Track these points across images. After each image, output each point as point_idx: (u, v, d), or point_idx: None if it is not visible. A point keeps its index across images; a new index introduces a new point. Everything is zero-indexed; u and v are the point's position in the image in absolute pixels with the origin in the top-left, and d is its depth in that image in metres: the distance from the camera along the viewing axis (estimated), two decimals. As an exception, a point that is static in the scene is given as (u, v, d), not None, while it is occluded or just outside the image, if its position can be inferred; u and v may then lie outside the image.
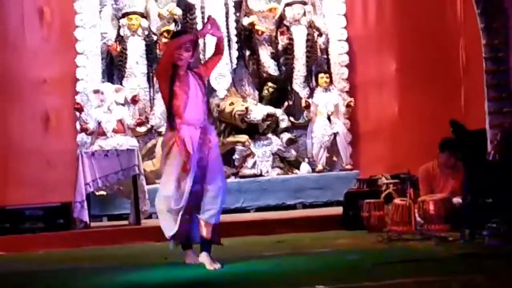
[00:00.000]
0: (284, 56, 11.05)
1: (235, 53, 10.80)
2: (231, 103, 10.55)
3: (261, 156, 10.53)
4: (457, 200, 7.55)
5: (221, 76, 10.65)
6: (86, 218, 8.78)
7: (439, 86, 10.44)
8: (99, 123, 10.19)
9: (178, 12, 10.80)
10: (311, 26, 11.03)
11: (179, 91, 5.70)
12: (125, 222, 9.26)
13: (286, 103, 10.98)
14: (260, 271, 5.51)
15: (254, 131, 10.68)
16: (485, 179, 6.88)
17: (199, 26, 10.67)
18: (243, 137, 10.55)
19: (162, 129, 10.60)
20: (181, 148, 5.59)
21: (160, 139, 10.54)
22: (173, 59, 5.77)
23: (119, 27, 10.88)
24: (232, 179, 10.31)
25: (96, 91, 10.34)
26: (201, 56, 10.30)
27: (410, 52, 10.76)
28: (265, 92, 10.89)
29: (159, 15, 10.89)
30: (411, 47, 10.74)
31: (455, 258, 5.85)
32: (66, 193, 9.22)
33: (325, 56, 11.16)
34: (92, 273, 6.04)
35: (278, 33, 11.11)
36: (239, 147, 10.53)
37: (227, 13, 10.82)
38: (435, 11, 10.64)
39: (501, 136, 7.22)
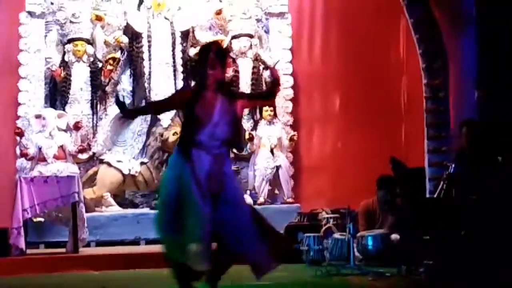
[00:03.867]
0: (229, 88, 11.09)
1: (180, 83, 10.79)
2: (175, 133, 10.52)
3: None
4: (395, 236, 7.65)
5: (165, 106, 10.62)
6: (22, 244, 8.61)
7: (381, 124, 10.63)
8: (39, 149, 10.07)
9: (125, 40, 10.78)
10: (257, 59, 11.12)
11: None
12: (63, 249, 9.12)
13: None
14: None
15: (197, 161, 10.65)
16: (423, 216, 6.99)
17: (145, 55, 10.68)
18: (186, 168, 10.50)
19: (104, 157, 10.54)
20: None
21: (102, 166, 10.49)
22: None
23: (64, 52, 10.80)
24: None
25: (38, 116, 10.23)
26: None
27: (354, 89, 10.94)
28: (209, 122, 10.87)
29: (105, 42, 10.84)
30: (355, 84, 10.92)
31: (392, 294, 5.92)
32: (2, 218, 9.04)
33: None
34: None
35: (224, 65, 11.13)
36: (181, 177, 10.47)
37: (173, 43, 10.85)
38: (379, 50, 10.87)
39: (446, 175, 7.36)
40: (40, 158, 10.06)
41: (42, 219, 9.47)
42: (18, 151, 10.30)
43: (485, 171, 6.68)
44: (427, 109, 8.82)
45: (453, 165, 7.05)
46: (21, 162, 10.35)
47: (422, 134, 8.89)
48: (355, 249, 7.64)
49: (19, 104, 10.67)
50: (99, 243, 9.86)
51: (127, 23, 10.90)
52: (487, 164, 6.81)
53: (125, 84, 10.90)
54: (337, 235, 7.95)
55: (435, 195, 6.96)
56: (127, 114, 5.36)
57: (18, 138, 10.24)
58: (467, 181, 6.74)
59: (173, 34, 10.87)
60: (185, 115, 5.01)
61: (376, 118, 10.67)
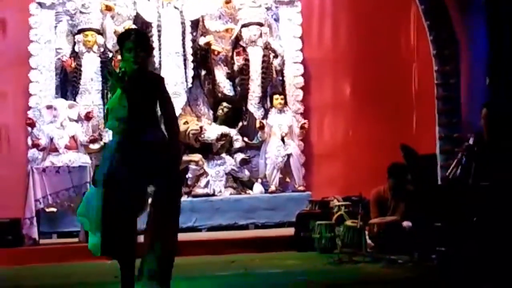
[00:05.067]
0: (240, 76, 11.09)
1: (190, 73, 10.79)
2: (186, 122, 10.54)
3: (214, 176, 10.52)
4: (407, 223, 7.64)
5: (176, 95, 10.61)
6: (35, 234, 8.67)
7: (392, 111, 10.60)
8: (51, 139, 10.09)
9: (135, 29, 10.77)
10: (267, 47, 11.10)
11: None
12: (75, 239, 9.16)
13: (240, 124, 10.99)
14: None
15: (208, 150, 10.68)
16: (435, 203, 6.98)
17: (155, 44, 10.66)
18: (197, 156, 10.53)
19: (115, 147, 10.54)
20: None
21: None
22: None
23: (75, 43, 10.80)
24: (184, 198, 10.26)
25: (49, 107, 10.25)
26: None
27: (364, 77, 10.91)
28: (219, 112, 10.90)
29: (115, 32, 10.81)
30: (366, 71, 10.89)
31: (404, 281, 5.92)
32: (15, 209, 9.08)
33: (280, 78, 11.22)
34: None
35: (234, 53, 11.14)
36: (192, 166, 10.50)
37: (183, 32, 10.82)
38: (389, 38, 10.83)
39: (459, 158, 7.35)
40: (51, 148, 10.08)
41: (54, 209, 9.49)
42: (29, 142, 10.32)
43: (502, 156, 6.66)
44: (438, 96, 8.81)
45: (472, 137, 7.04)
46: (32, 152, 10.38)
47: (433, 120, 8.88)
48: (367, 237, 7.65)
49: (30, 94, 10.68)
50: (111, 233, 9.87)
51: (136, 12, 10.90)
52: (505, 148, 6.78)
53: (136, 74, 10.88)
54: (348, 223, 7.95)
55: (451, 169, 6.92)
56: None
57: (29, 128, 10.27)
58: (483, 164, 6.72)
59: (182, 23, 10.84)
60: None
61: (387, 105, 10.65)
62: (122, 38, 4.91)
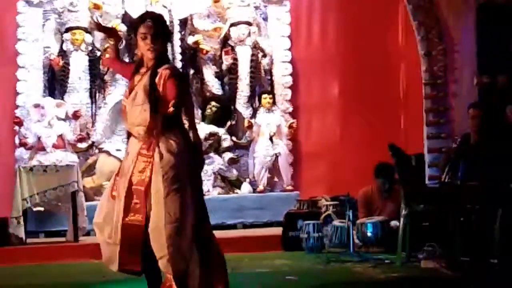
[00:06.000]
0: (228, 75, 11.08)
1: (179, 71, 10.77)
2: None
3: (203, 175, 10.47)
4: (394, 223, 7.66)
5: (164, 94, 10.62)
6: (22, 234, 8.63)
7: (380, 110, 10.63)
8: (38, 138, 10.05)
9: (123, 28, 10.71)
10: (255, 46, 11.09)
11: None
12: (63, 238, 9.13)
13: (228, 123, 10.98)
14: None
15: (196, 149, 10.65)
16: (422, 202, 7.01)
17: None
18: (185, 156, 10.50)
19: (103, 146, 10.52)
20: None
21: (101, 155, 10.48)
22: None
23: (62, 41, 10.75)
24: (172, 198, 10.26)
25: (36, 106, 10.20)
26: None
27: (353, 76, 10.92)
28: (208, 111, 10.88)
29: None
30: (354, 71, 10.90)
31: (392, 281, 5.94)
32: (2, 208, 9.05)
33: (269, 77, 11.21)
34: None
35: (223, 52, 11.13)
36: (180, 166, 10.47)
37: (172, 30, 10.80)
38: (378, 37, 10.85)
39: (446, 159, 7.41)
40: (39, 147, 10.04)
41: (41, 208, 9.44)
42: (17, 141, 10.28)
43: (489, 156, 6.70)
44: (426, 95, 8.83)
45: (459, 137, 7.10)
46: (20, 151, 10.33)
47: (421, 120, 8.90)
48: (355, 236, 7.66)
49: (18, 93, 10.63)
50: (99, 232, 9.84)
51: (125, 11, 10.86)
52: (492, 148, 6.83)
53: (124, 73, 10.86)
54: (336, 222, 7.96)
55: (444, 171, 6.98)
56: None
57: (17, 127, 10.23)
58: (471, 165, 6.77)
59: (171, 22, 10.80)
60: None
61: (375, 104, 10.68)
62: (136, 23, 4.50)
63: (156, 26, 4.43)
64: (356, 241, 7.69)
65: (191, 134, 4.50)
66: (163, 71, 4.38)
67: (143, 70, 4.50)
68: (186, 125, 4.55)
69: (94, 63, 10.71)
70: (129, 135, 4.69)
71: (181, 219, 4.30)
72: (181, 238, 4.28)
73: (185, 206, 4.35)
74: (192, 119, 4.56)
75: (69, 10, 10.72)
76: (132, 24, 4.63)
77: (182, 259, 4.30)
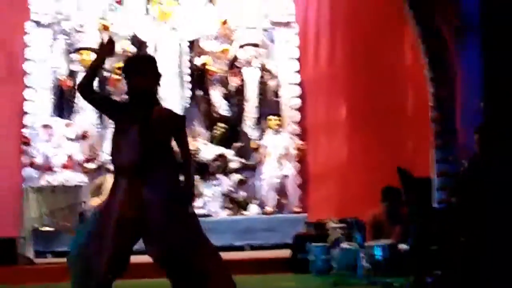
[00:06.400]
0: (236, 97, 11.13)
1: (187, 93, 10.84)
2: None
3: (211, 196, 10.52)
4: (403, 246, 7.65)
5: (172, 115, 10.67)
6: (30, 254, 8.64)
7: (388, 132, 10.62)
8: (47, 158, 10.09)
9: (132, 49, 10.81)
10: (263, 68, 11.15)
11: None
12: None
13: (236, 144, 11.01)
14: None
15: (204, 171, 10.68)
16: (431, 226, 7.00)
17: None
18: (193, 177, 10.53)
19: (111, 166, 10.51)
20: None
21: (109, 176, 10.50)
22: None
23: (71, 62, 10.82)
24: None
25: (45, 126, 10.25)
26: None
27: (361, 98, 10.92)
28: (215, 132, 10.93)
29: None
30: (362, 93, 10.91)
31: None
32: (10, 228, 9.05)
33: (276, 99, 11.25)
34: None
35: (230, 74, 11.19)
36: (188, 187, 10.49)
37: (180, 52, 10.87)
38: (385, 59, 10.86)
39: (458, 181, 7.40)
40: (47, 167, 10.08)
41: (50, 228, 9.46)
42: (25, 161, 10.31)
43: (498, 177, 6.69)
44: (434, 118, 8.84)
45: (466, 162, 7.09)
46: (28, 171, 10.36)
47: (428, 143, 8.91)
48: (363, 259, 7.65)
49: (25, 113, 10.67)
50: (106, 252, 9.84)
51: (133, 32, 10.94)
52: (500, 170, 6.82)
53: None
54: (344, 245, 7.96)
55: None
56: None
57: (24, 147, 10.26)
58: (480, 187, 6.76)
59: (179, 43, 10.89)
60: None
61: (383, 126, 10.66)
62: (128, 63, 4.58)
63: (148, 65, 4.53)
64: (364, 264, 7.67)
65: None
66: None
67: None
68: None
69: (102, 83, 10.76)
70: None
71: None
72: None
73: None
74: None
75: (77, 31, 10.83)
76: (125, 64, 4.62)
77: None
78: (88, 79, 4.49)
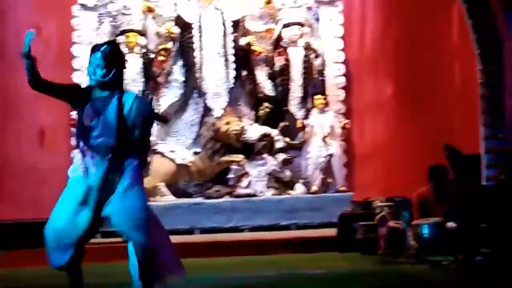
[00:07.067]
0: (281, 77, 11.10)
1: (232, 73, 10.85)
2: (227, 122, 10.59)
3: (256, 176, 10.55)
4: (451, 224, 7.56)
5: (217, 95, 10.70)
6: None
7: (435, 110, 10.48)
8: (94, 140, 10.17)
9: (176, 30, 10.85)
10: (308, 47, 11.09)
11: None
12: (120, 239, 9.21)
13: (281, 124, 11.01)
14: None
15: (249, 150, 10.71)
16: (480, 204, 6.91)
17: (197, 45, 10.72)
18: (239, 157, 10.57)
19: (158, 147, 10.62)
20: None
21: (156, 157, 10.58)
22: None
23: (117, 43, 10.89)
24: (226, 198, 10.33)
25: (93, 108, 10.33)
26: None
27: (406, 76, 10.80)
28: (261, 112, 10.93)
29: (157, 33, 10.92)
30: (407, 71, 10.78)
31: (449, 283, 5.87)
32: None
33: (321, 78, 11.19)
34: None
35: (275, 54, 11.16)
36: (234, 167, 10.55)
37: (224, 32, 10.87)
38: (432, 37, 10.70)
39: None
40: (94, 149, 10.16)
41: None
42: (72, 143, 10.43)
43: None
44: (482, 96, 8.71)
45: None
46: (75, 153, 10.45)
47: (476, 120, 8.78)
48: (410, 238, 7.58)
49: (74, 96, 10.77)
50: (154, 233, 9.94)
51: (178, 14, 10.97)
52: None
53: (177, 75, 10.99)
54: (391, 224, 7.90)
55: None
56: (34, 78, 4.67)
57: (73, 129, 10.38)
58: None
59: (223, 24, 10.89)
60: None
61: (429, 104, 10.52)
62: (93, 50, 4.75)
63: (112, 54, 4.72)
64: (412, 242, 7.61)
65: None
66: None
67: None
68: None
69: (147, 65, 10.83)
70: None
71: None
72: None
73: None
74: None
75: (123, 13, 10.86)
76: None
77: None
78: (32, 76, 4.64)
